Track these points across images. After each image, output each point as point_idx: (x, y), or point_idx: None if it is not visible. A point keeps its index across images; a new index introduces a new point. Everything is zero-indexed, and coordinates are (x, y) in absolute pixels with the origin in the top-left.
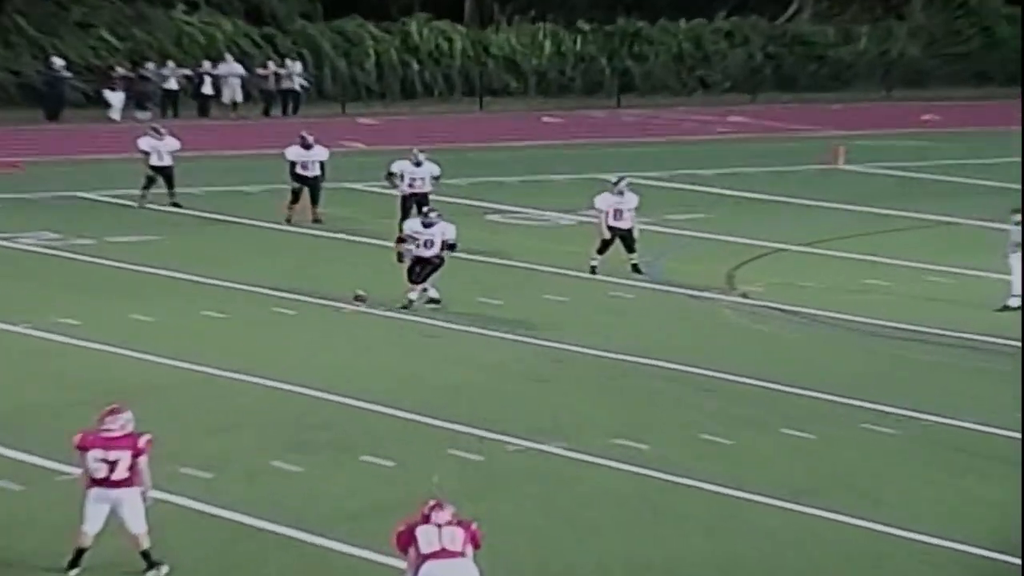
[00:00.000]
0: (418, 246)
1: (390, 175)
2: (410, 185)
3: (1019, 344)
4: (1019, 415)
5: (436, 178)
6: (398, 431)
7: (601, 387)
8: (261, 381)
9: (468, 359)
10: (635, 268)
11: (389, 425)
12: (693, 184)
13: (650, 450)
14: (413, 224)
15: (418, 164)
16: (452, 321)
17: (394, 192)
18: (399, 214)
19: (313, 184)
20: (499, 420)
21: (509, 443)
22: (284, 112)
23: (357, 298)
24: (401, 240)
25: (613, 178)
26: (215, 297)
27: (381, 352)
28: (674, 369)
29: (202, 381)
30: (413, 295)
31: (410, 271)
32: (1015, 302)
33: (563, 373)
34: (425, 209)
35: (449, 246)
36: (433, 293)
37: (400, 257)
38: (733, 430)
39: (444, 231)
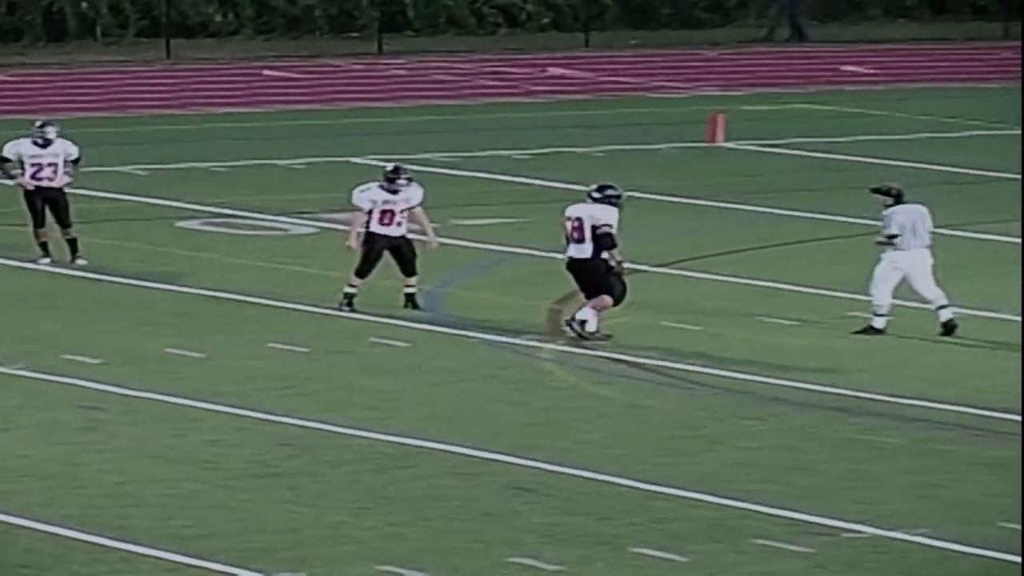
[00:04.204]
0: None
1: (2, 161)
2: (35, 176)
3: (1010, 418)
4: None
5: (75, 162)
6: (45, 557)
7: (360, 486)
8: None
9: (152, 444)
10: (411, 300)
11: (31, 547)
12: (496, 172)
13: None
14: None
15: (45, 142)
16: (126, 385)
17: (10, 185)
18: (31, 219)
19: None
20: (202, 538)
21: (216, 571)
22: None
23: None
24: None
25: (388, 166)
26: None
27: (15, 436)
28: (473, 458)
29: None
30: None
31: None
32: (880, 322)
33: (301, 464)
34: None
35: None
36: (583, 314)
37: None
38: (565, 549)
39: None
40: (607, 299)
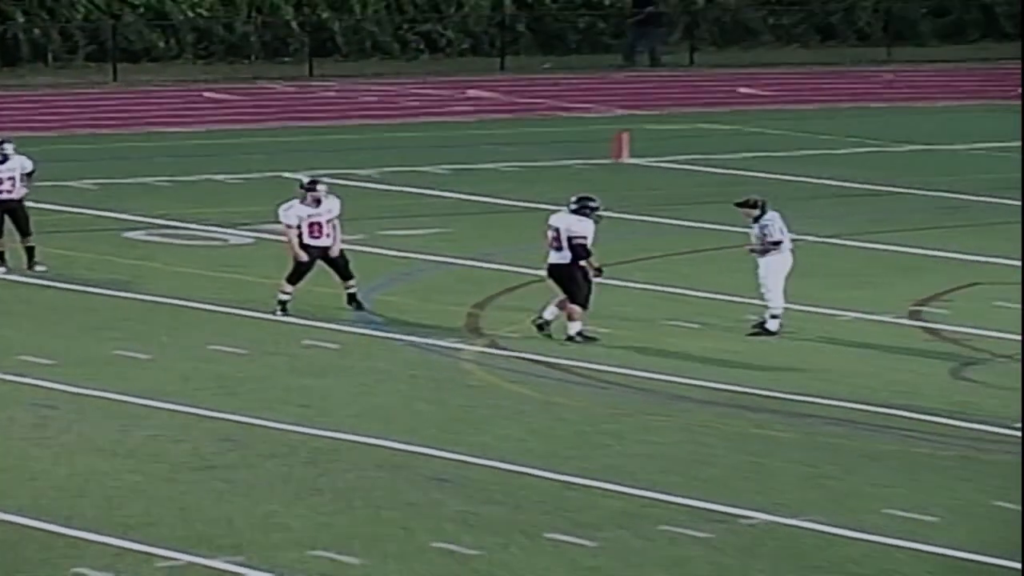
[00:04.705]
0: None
1: None
2: None
3: (895, 413)
4: None
5: (28, 175)
6: (1, 544)
7: (293, 477)
8: None
9: (101, 438)
10: (353, 300)
11: None
12: (419, 186)
13: (364, 565)
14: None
15: (3, 159)
16: (78, 384)
17: None
18: None
19: None
20: (147, 525)
21: (161, 557)
22: None
23: None
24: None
25: (305, 179)
26: None
27: None
28: (397, 450)
29: None
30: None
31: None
32: (774, 324)
33: (239, 458)
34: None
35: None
36: (548, 313)
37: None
38: (483, 536)
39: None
40: (575, 308)
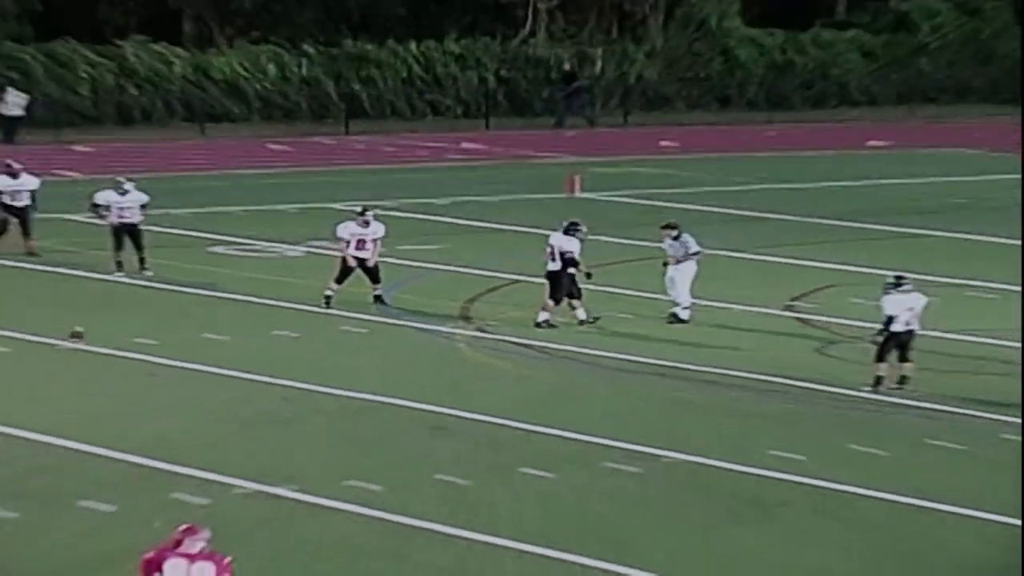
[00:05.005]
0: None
1: (95, 206)
2: (120, 215)
3: (776, 380)
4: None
5: (143, 206)
6: (118, 475)
7: (333, 427)
8: None
9: (193, 398)
10: (378, 299)
11: (109, 469)
12: (425, 213)
13: (384, 492)
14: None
15: (124, 193)
16: (175, 358)
17: (104, 224)
18: (112, 245)
19: (23, 215)
20: (225, 462)
21: (236, 486)
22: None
23: (74, 335)
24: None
25: (359, 207)
26: None
27: (100, 392)
28: (409, 408)
29: None
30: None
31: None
32: (685, 314)
33: (293, 413)
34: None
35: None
36: (540, 317)
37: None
38: (472, 471)
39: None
40: (550, 302)
